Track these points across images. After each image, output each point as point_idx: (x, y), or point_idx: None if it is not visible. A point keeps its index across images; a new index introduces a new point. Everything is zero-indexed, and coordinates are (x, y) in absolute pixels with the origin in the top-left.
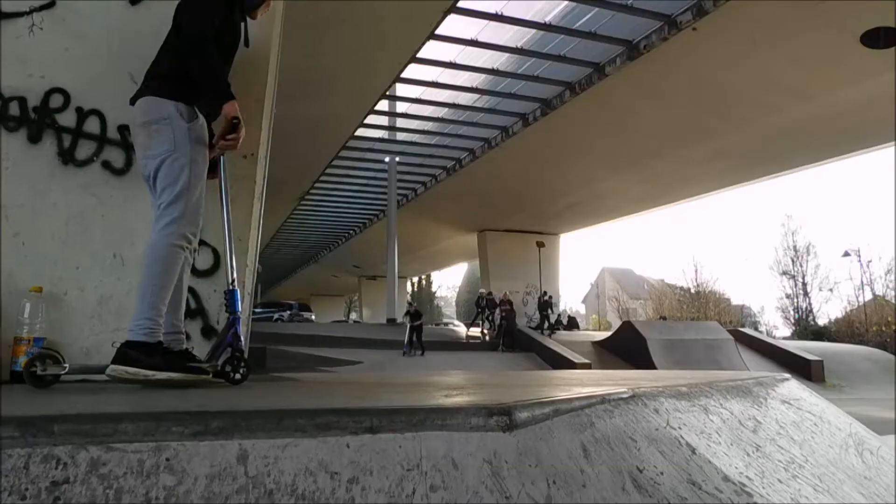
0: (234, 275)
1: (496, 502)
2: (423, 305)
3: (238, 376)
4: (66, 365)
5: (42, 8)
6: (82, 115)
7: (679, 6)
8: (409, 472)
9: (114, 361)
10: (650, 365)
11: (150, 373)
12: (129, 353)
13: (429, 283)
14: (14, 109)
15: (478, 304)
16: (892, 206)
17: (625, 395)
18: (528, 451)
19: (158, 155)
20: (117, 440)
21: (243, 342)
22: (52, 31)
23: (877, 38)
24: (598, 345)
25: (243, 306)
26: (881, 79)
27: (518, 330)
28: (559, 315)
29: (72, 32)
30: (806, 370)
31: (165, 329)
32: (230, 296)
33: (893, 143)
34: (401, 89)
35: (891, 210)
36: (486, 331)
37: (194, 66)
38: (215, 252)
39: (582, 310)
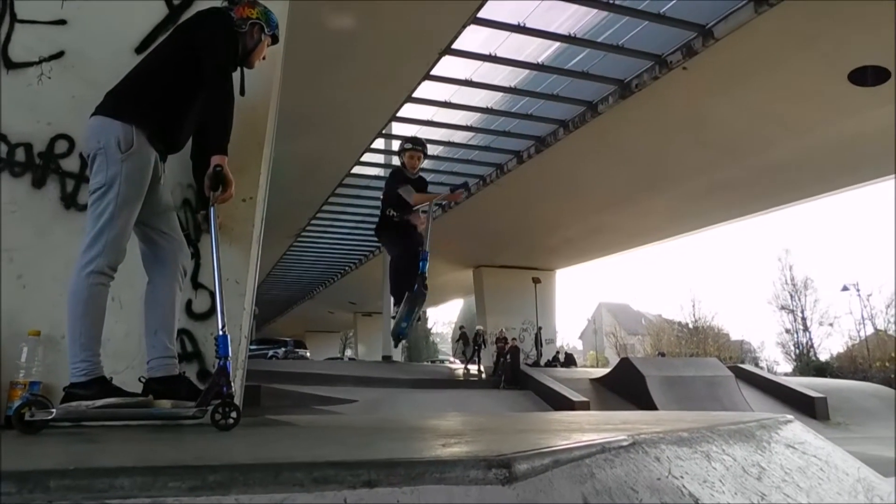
0: (225, 320)
1: None
2: (419, 342)
3: (226, 422)
4: (54, 410)
5: (51, 58)
6: (86, 161)
7: (669, 46)
8: None
9: (62, 402)
10: (650, 403)
11: (89, 402)
12: (71, 393)
13: (424, 319)
14: (20, 155)
15: (474, 342)
16: (889, 238)
17: (625, 443)
18: None
19: (92, 190)
20: (113, 496)
21: (236, 386)
22: (60, 79)
23: (864, 77)
24: (597, 382)
25: (239, 349)
26: (871, 115)
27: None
28: (557, 352)
29: (79, 80)
30: (810, 408)
31: (155, 355)
32: (220, 341)
33: (891, 176)
34: (397, 128)
35: (888, 243)
36: (482, 368)
37: (215, 100)
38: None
39: (579, 346)
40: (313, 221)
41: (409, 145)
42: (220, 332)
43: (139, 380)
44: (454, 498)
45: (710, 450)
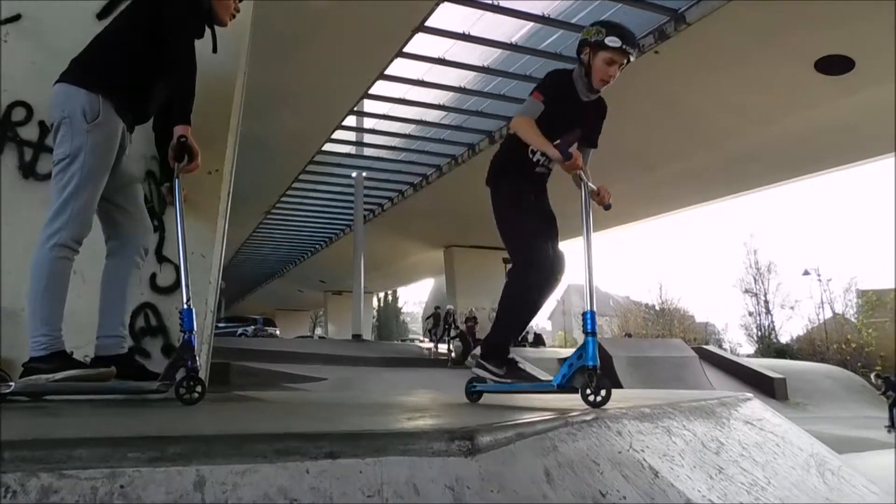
0: (190, 294)
1: None
2: (389, 321)
3: (191, 396)
4: (12, 384)
5: (7, 21)
6: (45, 129)
7: (641, 30)
8: (370, 498)
9: (21, 377)
10: (616, 382)
11: (49, 375)
12: (31, 367)
13: (395, 298)
14: None
15: (444, 321)
16: (849, 225)
17: (588, 418)
18: (491, 476)
19: (56, 161)
20: (71, 466)
21: (202, 360)
22: (18, 44)
23: (830, 65)
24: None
25: (205, 323)
26: (836, 103)
27: None
28: (525, 332)
29: (38, 46)
30: (769, 388)
31: (106, 333)
32: (185, 314)
33: (852, 164)
34: (368, 105)
35: (848, 229)
36: (451, 347)
37: (180, 70)
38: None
39: (548, 326)
40: (283, 198)
41: (614, 41)
42: (185, 306)
43: (83, 358)
44: (417, 469)
45: (671, 425)
